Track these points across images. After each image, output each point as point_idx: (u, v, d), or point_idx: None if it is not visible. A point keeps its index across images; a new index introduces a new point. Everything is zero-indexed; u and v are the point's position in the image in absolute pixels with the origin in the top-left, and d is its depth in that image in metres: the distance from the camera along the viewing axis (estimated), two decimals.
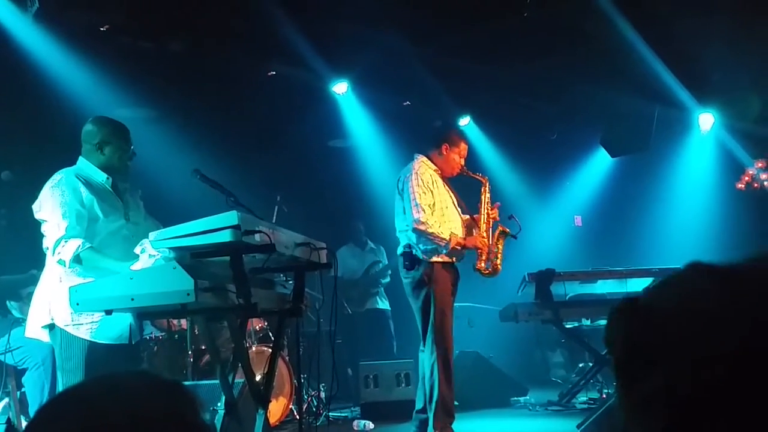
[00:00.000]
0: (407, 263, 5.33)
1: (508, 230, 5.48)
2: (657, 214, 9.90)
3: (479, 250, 5.36)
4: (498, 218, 5.51)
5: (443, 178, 5.45)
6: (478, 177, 5.55)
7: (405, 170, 5.42)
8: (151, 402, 0.88)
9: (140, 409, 0.87)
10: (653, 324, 0.82)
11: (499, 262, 5.45)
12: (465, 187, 5.66)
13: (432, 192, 5.29)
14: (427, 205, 5.23)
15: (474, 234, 5.43)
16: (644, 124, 8.99)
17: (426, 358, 5.29)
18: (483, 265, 5.39)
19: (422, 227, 5.18)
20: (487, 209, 5.47)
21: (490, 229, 5.46)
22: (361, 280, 8.44)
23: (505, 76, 8.45)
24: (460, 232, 5.35)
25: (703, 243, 9.21)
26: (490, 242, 5.42)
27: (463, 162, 5.49)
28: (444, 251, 5.21)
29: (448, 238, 5.18)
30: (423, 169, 5.37)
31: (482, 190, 5.51)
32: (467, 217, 5.51)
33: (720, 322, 0.78)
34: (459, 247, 5.27)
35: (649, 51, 7.42)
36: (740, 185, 6.66)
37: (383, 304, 8.47)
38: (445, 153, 5.42)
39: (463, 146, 5.48)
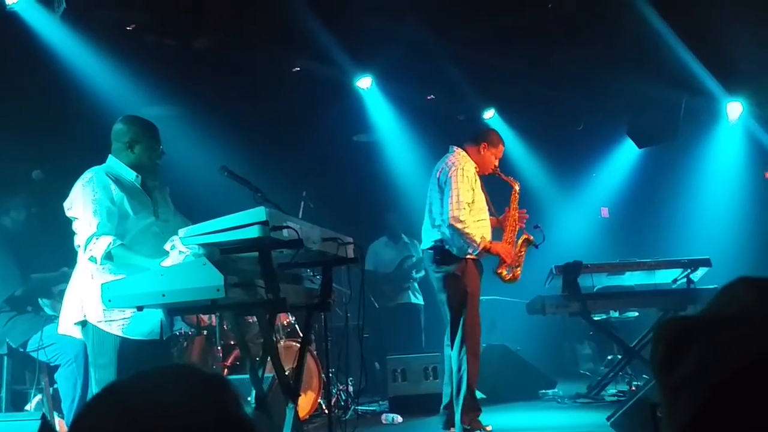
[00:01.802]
0: (438, 257, 5.31)
1: (532, 238, 5.47)
2: (685, 205, 9.80)
3: (503, 257, 5.37)
4: (524, 225, 5.50)
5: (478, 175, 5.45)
6: (509, 180, 5.54)
7: (445, 163, 5.36)
8: (194, 395, 0.89)
9: (183, 404, 0.88)
10: (693, 321, 0.92)
11: (519, 270, 5.47)
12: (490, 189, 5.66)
13: (473, 190, 5.28)
14: (467, 203, 5.20)
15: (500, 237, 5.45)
16: (671, 114, 8.89)
17: (455, 353, 5.29)
18: (504, 271, 5.42)
19: (459, 225, 5.15)
20: (515, 215, 5.46)
21: (515, 237, 5.46)
22: (393, 274, 8.43)
23: (529, 67, 8.41)
24: (489, 234, 5.35)
25: (731, 233, 9.12)
26: (514, 250, 5.43)
27: (497, 163, 5.49)
28: (474, 252, 5.23)
29: (479, 242, 5.18)
30: (468, 164, 5.32)
31: (512, 194, 5.51)
32: (493, 219, 5.50)
33: (748, 325, 0.87)
34: (485, 252, 5.29)
35: (676, 39, 7.33)
36: None
37: (416, 298, 8.46)
38: (483, 152, 5.42)
39: (501, 148, 5.51)
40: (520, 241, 5.46)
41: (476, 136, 5.45)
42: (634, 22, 6.95)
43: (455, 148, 5.46)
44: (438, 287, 5.40)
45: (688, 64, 7.76)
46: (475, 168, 5.37)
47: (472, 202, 5.25)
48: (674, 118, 8.88)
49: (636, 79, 8.48)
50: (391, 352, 7.34)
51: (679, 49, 7.48)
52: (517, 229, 5.47)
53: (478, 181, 5.37)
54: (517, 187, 5.52)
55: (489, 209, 5.50)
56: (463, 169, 5.26)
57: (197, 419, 0.87)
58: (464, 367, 5.20)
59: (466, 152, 5.42)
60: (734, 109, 9.41)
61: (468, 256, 5.24)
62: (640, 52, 7.71)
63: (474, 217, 5.25)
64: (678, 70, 7.80)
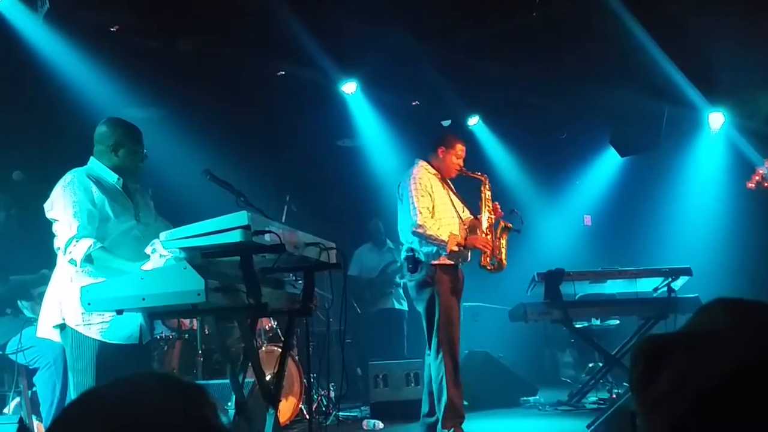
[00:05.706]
0: (410, 266, 5.37)
1: (510, 225, 5.48)
2: (667, 214, 9.86)
3: (481, 249, 5.36)
4: (502, 213, 5.51)
5: (443, 180, 5.47)
6: (477, 176, 5.57)
7: (404, 176, 5.46)
8: (172, 405, 0.89)
9: (162, 413, 0.87)
10: (671, 338, 0.95)
11: (503, 257, 5.45)
12: (469, 189, 5.66)
13: (430, 195, 5.32)
14: (425, 208, 5.26)
15: (477, 234, 5.43)
16: (654, 124, 8.96)
17: (432, 360, 5.29)
18: (488, 260, 5.39)
19: (420, 230, 5.22)
20: (488, 207, 5.48)
21: (493, 227, 5.47)
22: (376, 280, 8.43)
23: (514, 75, 8.44)
24: (458, 233, 5.35)
25: (712, 242, 9.18)
26: (493, 239, 5.41)
27: (461, 162, 5.51)
28: (444, 253, 5.23)
29: (446, 240, 5.19)
30: (421, 173, 5.40)
31: (482, 188, 5.53)
32: (471, 218, 5.51)
33: (723, 341, 0.90)
34: (459, 248, 5.28)
35: (659, 50, 7.39)
36: (750, 184, 6.63)
37: (399, 304, 8.44)
38: (441, 156, 5.46)
39: (459, 147, 5.50)
40: (498, 230, 5.45)
41: (433, 144, 5.51)
42: (617, 32, 7.00)
43: (418, 160, 5.53)
44: (413, 296, 5.48)
45: (670, 75, 7.82)
46: (435, 175, 5.43)
47: (432, 207, 5.30)
48: (656, 128, 8.95)
49: (619, 89, 8.54)
50: (373, 357, 7.33)
51: (662, 59, 7.54)
52: (493, 220, 5.46)
53: (438, 187, 5.40)
54: (486, 180, 5.53)
55: (465, 210, 5.51)
56: (414, 177, 5.35)
57: (175, 429, 0.86)
58: (443, 374, 5.19)
59: (429, 162, 5.49)
60: (716, 119, 9.50)
61: (439, 262, 5.25)
62: (624, 61, 7.77)
63: (439, 221, 5.29)
64: (660, 80, 7.86)
